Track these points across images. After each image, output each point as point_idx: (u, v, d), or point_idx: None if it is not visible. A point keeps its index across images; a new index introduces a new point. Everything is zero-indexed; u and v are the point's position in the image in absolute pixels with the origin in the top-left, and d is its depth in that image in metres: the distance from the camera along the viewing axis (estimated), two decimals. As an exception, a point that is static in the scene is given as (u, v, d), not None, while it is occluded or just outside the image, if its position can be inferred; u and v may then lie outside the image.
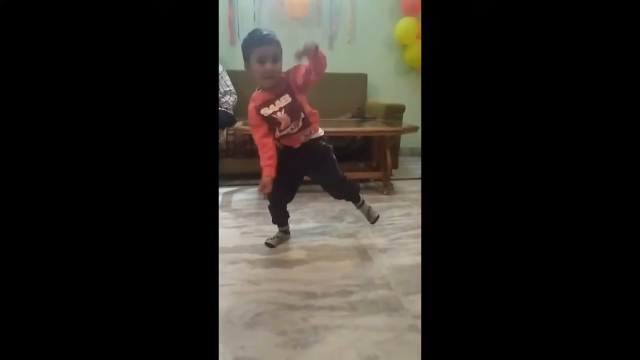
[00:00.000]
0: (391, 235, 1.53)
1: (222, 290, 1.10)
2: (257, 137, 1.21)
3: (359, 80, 2.68)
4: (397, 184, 2.21)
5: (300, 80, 1.15)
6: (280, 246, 1.40)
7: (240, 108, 2.38)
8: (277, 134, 1.21)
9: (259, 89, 1.19)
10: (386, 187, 2.08)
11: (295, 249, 1.39)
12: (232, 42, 2.56)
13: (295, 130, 1.20)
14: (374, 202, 1.94)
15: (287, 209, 1.40)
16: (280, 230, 1.44)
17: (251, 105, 1.20)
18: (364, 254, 1.36)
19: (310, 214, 1.74)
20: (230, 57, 2.52)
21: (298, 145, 1.24)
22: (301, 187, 1.39)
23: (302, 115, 1.19)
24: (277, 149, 1.23)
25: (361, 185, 2.23)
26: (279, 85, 1.16)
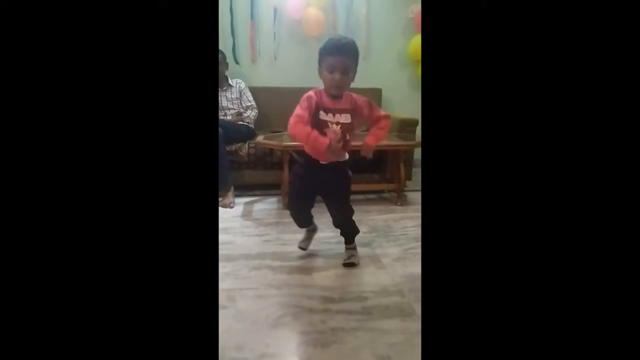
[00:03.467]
0: (404, 245, 1.60)
1: (247, 294, 1.20)
2: (296, 118, 1.12)
3: (374, 95, 2.78)
4: (410, 195, 2.28)
5: (368, 119, 1.28)
6: (299, 254, 1.49)
7: (261, 122, 2.52)
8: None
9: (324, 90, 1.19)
10: (400, 199, 2.16)
11: (314, 257, 1.48)
12: (254, 60, 2.72)
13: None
14: (387, 213, 2.03)
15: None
16: (307, 231, 1.50)
17: (311, 94, 1.16)
18: (378, 262, 1.44)
19: (327, 224, 1.81)
20: (252, 74, 2.67)
21: (325, 163, 1.26)
22: (318, 199, 1.47)
23: (347, 137, 1.22)
24: (300, 162, 1.31)
25: (375, 196, 2.33)
26: (345, 100, 1.20)
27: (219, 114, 2.39)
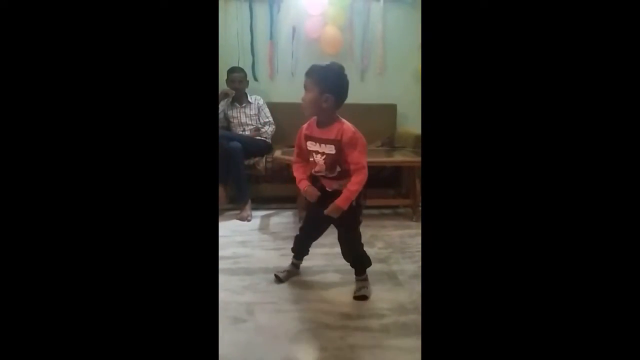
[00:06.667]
0: (420, 261, 1.60)
1: (266, 308, 1.23)
2: (294, 155, 1.34)
3: (389, 110, 2.82)
4: (426, 211, 2.28)
5: (346, 158, 1.19)
6: (316, 269, 1.52)
7: (278, 137, 2.58)
8: (312, 169, 1.29)
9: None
10: (415, 214, 2.17)
11: (330, 272, 1.50)
12: (272, 77, 2.80)
13: (329, 175, 1.26)
14: (403, 228, 2.03)
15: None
16: (292, 263, 1.47)
17: (302, 128, 1.29)
18: (394, 279, 1.45)
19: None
20: (270, 90, 2.75)
21: (330, 190, 1.27)
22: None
23: (338, 169, 1.23)
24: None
25: (390, 211, 2.34)
26: (332, 130, 1.20)
27: (238, 129, 2.46)
